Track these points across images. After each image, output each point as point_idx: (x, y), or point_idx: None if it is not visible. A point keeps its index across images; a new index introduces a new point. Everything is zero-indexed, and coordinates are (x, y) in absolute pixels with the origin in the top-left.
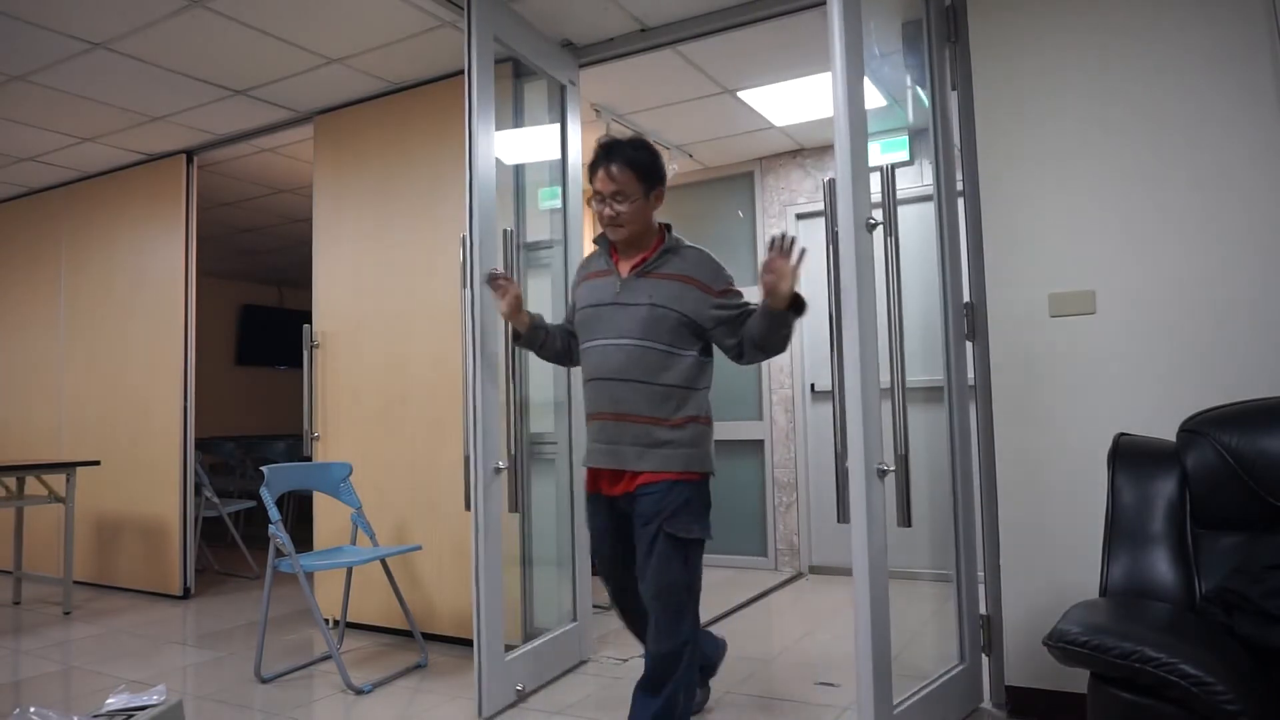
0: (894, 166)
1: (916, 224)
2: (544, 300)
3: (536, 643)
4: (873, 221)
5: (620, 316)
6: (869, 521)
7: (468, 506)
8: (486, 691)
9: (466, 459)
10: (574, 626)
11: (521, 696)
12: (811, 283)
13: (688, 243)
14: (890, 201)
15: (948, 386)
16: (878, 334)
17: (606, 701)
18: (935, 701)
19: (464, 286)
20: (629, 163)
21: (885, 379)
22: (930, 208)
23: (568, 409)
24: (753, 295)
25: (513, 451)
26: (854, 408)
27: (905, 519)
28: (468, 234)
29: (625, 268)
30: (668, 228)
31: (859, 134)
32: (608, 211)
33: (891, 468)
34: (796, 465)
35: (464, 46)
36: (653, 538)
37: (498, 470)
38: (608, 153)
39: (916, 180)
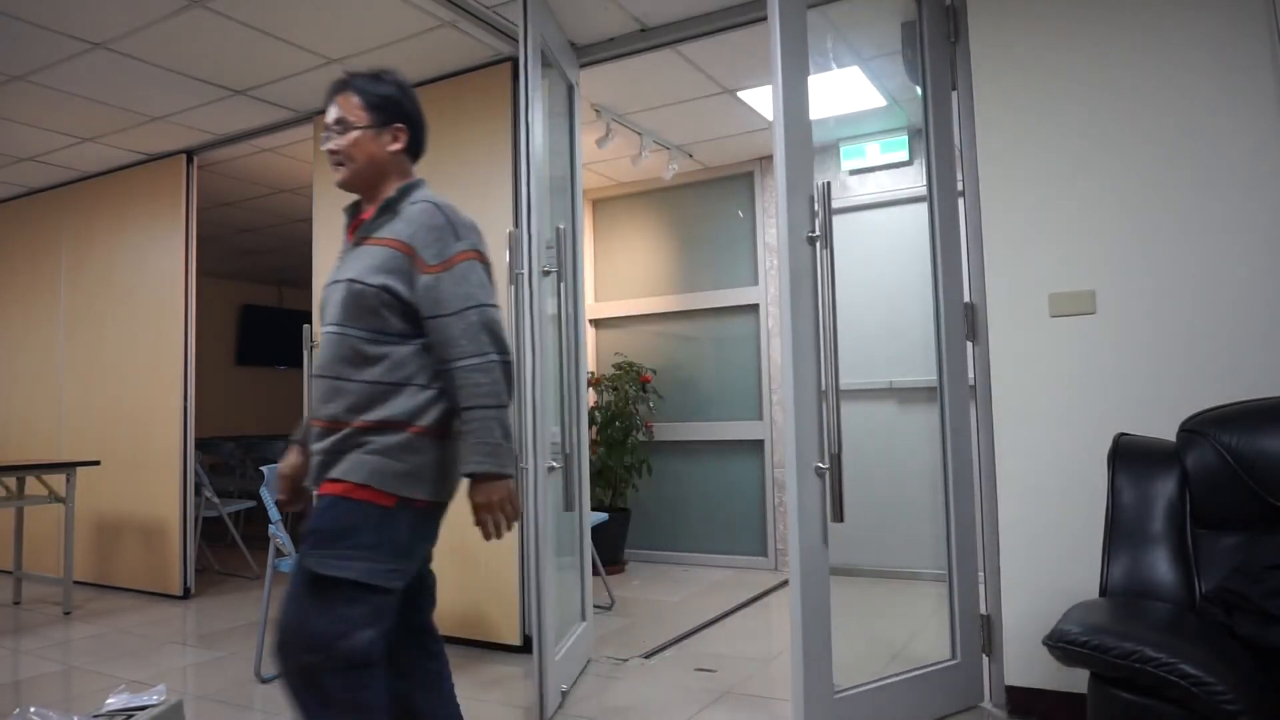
0: (828, 184)
1: (916, 223)
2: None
3: (568, 644)
4: (812, 235)
5: (334, 296)
6: (800, 515)
7: (521, 514)
8: (548, 693)
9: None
10: (586, 626)
11: (564, 697)
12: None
13: (422, 195)
14: (826, 216)
15: (940, 385)
16: (839, 338)
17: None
18: (907, 694)
19: (510, 284)
20: (358, 90)
21: (879, 380)
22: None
23: (574, 409)
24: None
25: (567, 450)
26: (789, 408)
27: (838, 514)
28: (525, 229)
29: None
30: (416, 183)
31: (794, 160)
32: (330, 146)
33: (827, 466)
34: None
35: (520, 39)
36: (294, 569)
37: (550, 469)
38: (338, 83)
39: (917, 180)
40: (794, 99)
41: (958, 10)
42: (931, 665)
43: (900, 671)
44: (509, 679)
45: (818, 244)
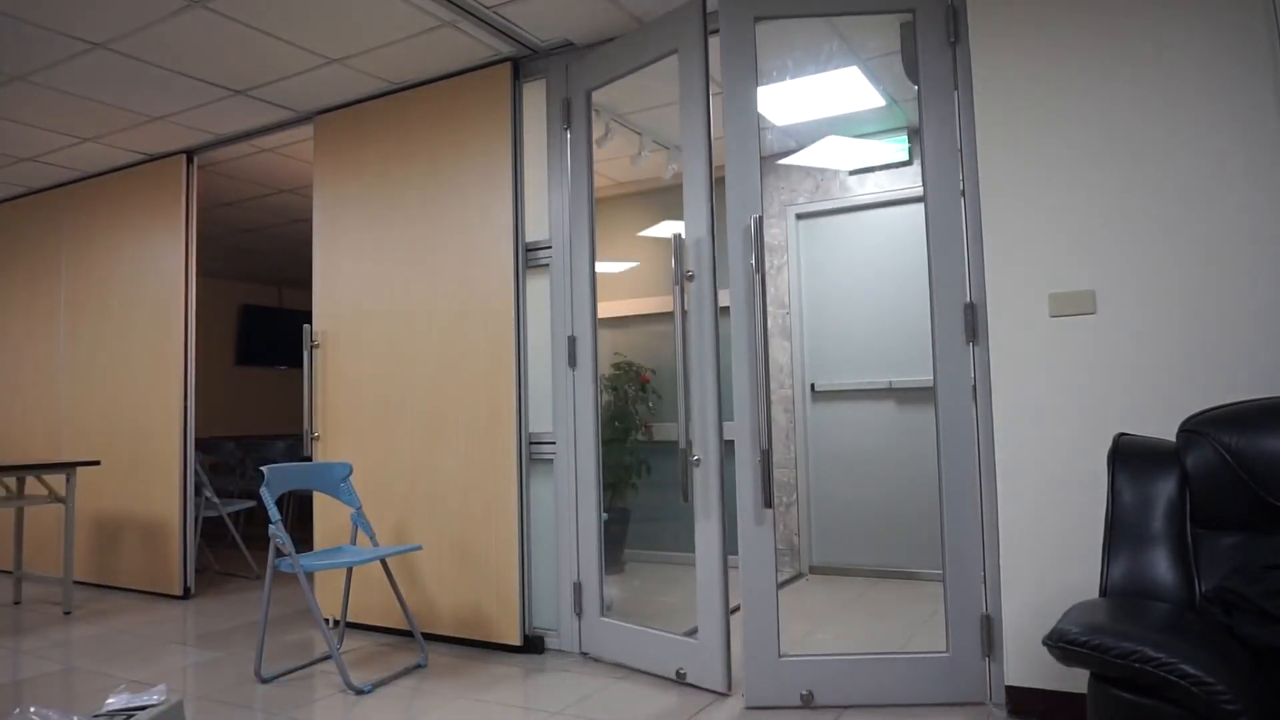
0: (759, 218)
1: (916, 223)
2: (543, 303)
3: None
4: (750, 263)
5: None
6: (741, 498)
7: (685, 498)
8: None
9: (681, 451)
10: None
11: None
12: (814, 278)
13: None
14: (759, 247)
15: (935, 385)
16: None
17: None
18: (880, 673)
19: (676, 283)
20: None
21: (879, 380)
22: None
23: (571, 408)
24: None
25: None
26: (737, 410)
27: (766, 500)
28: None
29: None
30: None
31: (738, 196)
32: None
33: (759, 458)
34: (796, 465)
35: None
36: None
37: (697, 462)
38: None
39: (917, 180)
40: (739, 142)
41: (958, 11)
42: (916, 653)
43: (872, 651)
44: (509, 679)
45: (756, 268)
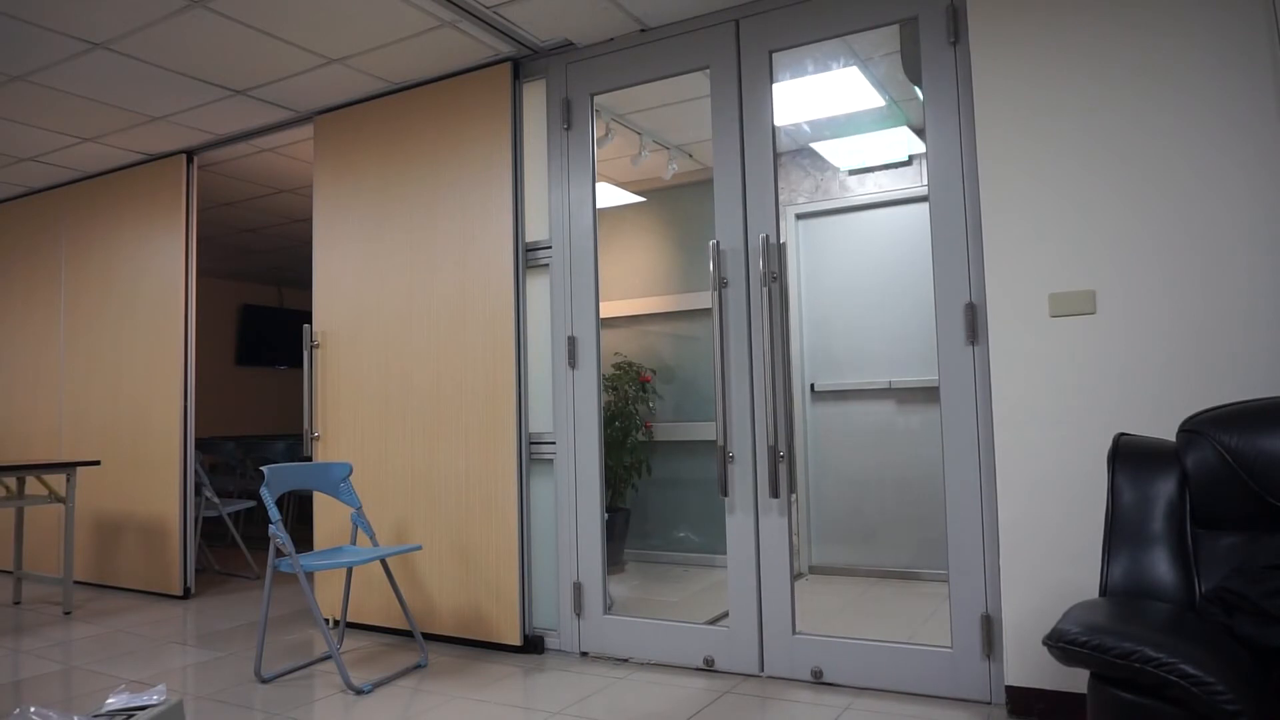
0: (767, 236)
1: (916, 223)
2: (543, 303)
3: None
4: (773, 274)
5: None
6: (742, 489)
7: (724, 492)
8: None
9: (719, 448)
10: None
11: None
12: (814, 278)
13: None
14: (781, 260)
15: (941, 386)
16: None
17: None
18: (886, 659)
19: (714, 289)
20: None
21: (878, 380)
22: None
23: (571, 408)
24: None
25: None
26: (745, 407)
27: (774, 491)
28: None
29: None
30: None
31: (756, 214)
32: None
33: (782, 453)
34: (796, 465)
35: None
36: None
37: (731, 459)
38: None
39: (917, 180)
40: (757, 164)
41: (958, 11)
42: (921, 644)
43: (879, 639)
44: (509, 679)
45: (764, 281)
